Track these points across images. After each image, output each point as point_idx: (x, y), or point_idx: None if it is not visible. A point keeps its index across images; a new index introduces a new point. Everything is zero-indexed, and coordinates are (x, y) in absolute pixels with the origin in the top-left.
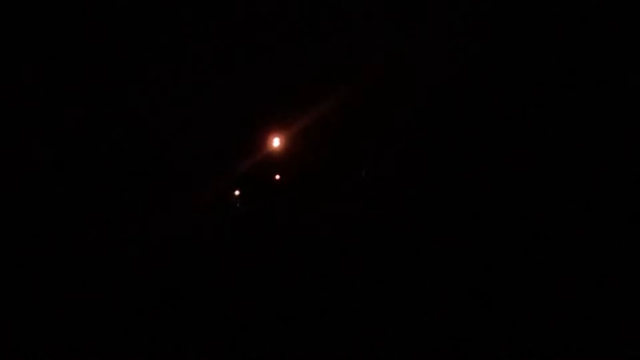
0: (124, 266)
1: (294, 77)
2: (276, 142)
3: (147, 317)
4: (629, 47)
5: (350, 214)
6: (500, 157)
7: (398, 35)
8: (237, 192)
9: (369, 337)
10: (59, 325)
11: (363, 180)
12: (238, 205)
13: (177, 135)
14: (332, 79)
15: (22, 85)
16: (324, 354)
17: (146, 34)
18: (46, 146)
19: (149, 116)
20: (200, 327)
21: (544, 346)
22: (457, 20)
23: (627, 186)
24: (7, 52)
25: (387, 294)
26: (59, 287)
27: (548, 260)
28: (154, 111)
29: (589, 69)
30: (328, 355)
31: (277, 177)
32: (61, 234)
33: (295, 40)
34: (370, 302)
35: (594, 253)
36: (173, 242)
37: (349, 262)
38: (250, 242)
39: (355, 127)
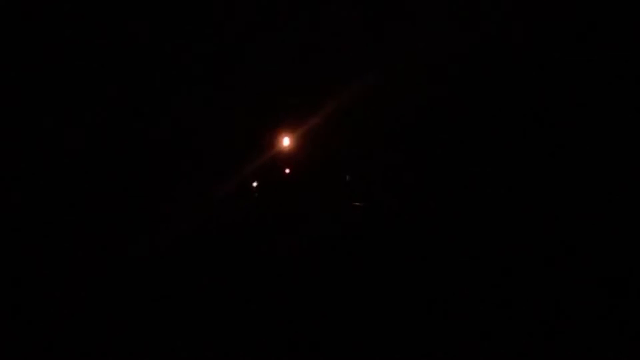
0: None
1: (302, 84)
2: (286, 141)
3: (172, 299)
4: (629, 47)
5: (351, 205)
6: (493, 158)
7: (408, 36)
8: (255, 184)
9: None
10: (74, 322)
11: (348, 184)
12: (256, 194)
13: (206, 137)
14: (336, 84)
15: (30, 82)
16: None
17: (174, 37)
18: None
19: (182, 118)
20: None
21: (544, 346)
22: (456, 22)
23: (627, 186)
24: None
25: (387, 289)
26: (85, 281)
27: (543, 260)
28: (189, 116)
29: (589, 69)
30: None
31: (287, 170)
32: (93, 225)
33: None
34: (371, 297)
35: (594, 253)
36: (201, 224)
37: (349, 249)
38: (267, 223)
39: (357, 129)
